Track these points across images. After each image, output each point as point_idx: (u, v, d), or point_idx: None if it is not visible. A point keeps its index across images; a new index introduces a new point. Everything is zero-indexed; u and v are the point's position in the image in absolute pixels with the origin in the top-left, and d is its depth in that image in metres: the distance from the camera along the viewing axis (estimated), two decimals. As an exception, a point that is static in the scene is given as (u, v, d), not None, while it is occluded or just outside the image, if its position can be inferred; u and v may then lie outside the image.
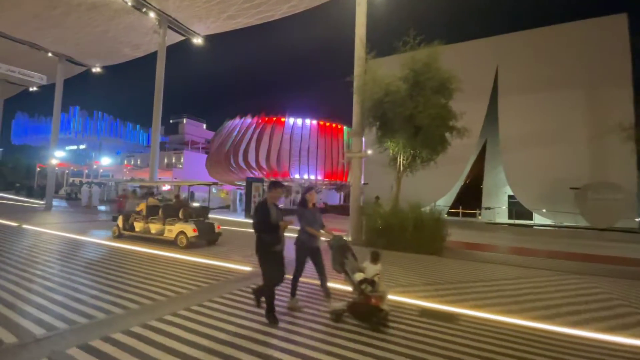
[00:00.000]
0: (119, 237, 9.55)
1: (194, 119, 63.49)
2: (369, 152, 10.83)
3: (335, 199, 42.15)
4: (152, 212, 9.47)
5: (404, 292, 5.25)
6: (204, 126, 64.51)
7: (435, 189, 24.19)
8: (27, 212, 17.21)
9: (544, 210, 21.24)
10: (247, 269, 6.40)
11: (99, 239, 9.49)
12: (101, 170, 49.04)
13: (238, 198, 22.45)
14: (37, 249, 7.74)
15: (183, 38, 18.82)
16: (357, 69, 11.09)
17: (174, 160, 52.33)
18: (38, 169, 40.88)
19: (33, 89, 29.01)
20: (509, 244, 12.09)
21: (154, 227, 9.13)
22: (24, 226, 11.51)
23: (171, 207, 9.38)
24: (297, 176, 30.48)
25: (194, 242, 8.45)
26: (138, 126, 70.78)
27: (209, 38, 18.82)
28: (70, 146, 63.45)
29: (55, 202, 22.52)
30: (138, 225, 9.42)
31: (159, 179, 46.61)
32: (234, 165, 31.50)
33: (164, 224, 8.93)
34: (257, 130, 31.50)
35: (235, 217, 18.38)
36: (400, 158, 10.04)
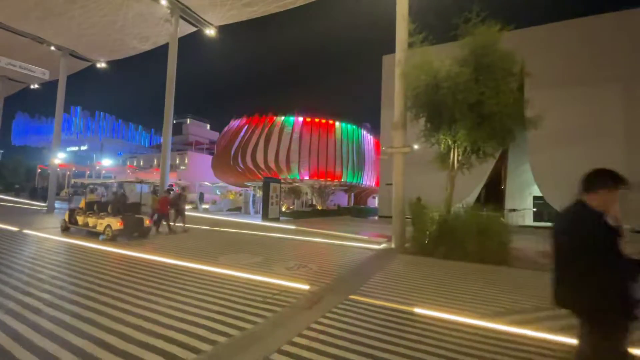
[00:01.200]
0: (65, 230, 10.43)
1: (198, 120, 62.31)
2: (415, 146, 9.60)
3: (344, 200, 40.94)
4: (90, 207, 10.38)
5: (530, 321, 3.98)
6: (208, 127, 63.34)
7: (460, 189, 22.92)
8: (28, 215, 15.98)
9: (577, 212, 19.96)
10: (304, 286, 5.14)
11: (120, 247, 8.23)
12: (103, 172, 47.77)
13: (251, 199, 21.17)
14: (50, 261, 6.49)
15: (194, 29, 17.62)
16: (399, 54, 9.88)
17: (177, 161, 51.03)
18: (39, 170, 39.65)
19: (34, 86, 27.82)
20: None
21: (91, 221, 9.85)
22: (25, 231, 10.27)
23: (105, 203, 10.51)
24: (306, 178, 29.25)
25: (119, 234, 9.17)
26: (140, 127, 69.79)
27: (221, 29, 17.62)
28: (71, 147, 62.22)
29: (57, 204, 21.26)
30: (80, 219, 10.22)
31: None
32: (241, 166, 30.35)
33: (97, 218, 9.71)
34: (266, 130, 30.37)
35: (249, 219, 17.11)
36: (454, 153, 8.79)
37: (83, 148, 65.82)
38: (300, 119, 30.22)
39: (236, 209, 23.89)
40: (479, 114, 7.54)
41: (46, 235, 9.78)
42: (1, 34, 18.69)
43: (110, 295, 4.44)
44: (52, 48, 20.19)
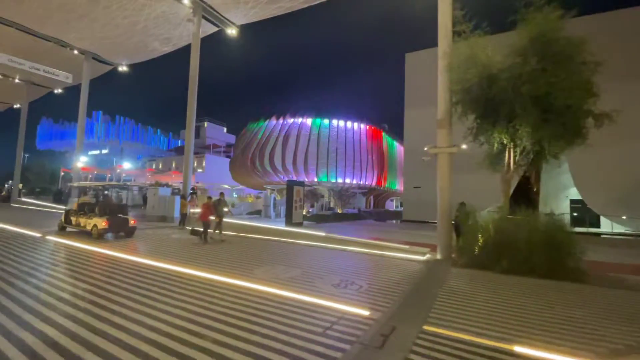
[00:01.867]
0: (62, 229, 11.24)
1: (215, 122, 62.62)
2: (463, 146, 8.67)
3: (362, 203, 39.97)
4: (81, 208, 11.09)
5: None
6: (224, 129, 63.53)
7: (488, 193, 21.67)
8: (51, 219, 15.80)
9: (624, 217, 18.43)
10: (363, 311, 4.34)
11: (152, 258, 7.66)
12: (124, 175, 48.39)
13: (272, 203, 20.55)
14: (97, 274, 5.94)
15: (216, 29, 17.19)
16: (443, 44, 9.01)
17: (195, 164, 51.22)
18: (62, 173, 40.39)
19: (57, 90, 28.23)
20: (633, 260, 9.63)
21: (82, 221, 10.53)
22: (48, 237, 9.89)
23: (94, 205, 11.12)
24: (324, 180, 28.50)
25: (104, 233, 9.97)
26: (159, 130, 70.80)
27: (243, 29, 17.13)
28: (93, 151, 63.62)
29: (79, 208, 21.23)
30: (73, 220, 10.91)
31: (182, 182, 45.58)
32: (259, 169, 29.92)
33: (87, 218, 10.41)
34: (283, 133, 29.86)
35: (270, 223, 16.37)
36: (510, 153, 7.83)
37: (104, 152, 67.25)
38: (326, 121, 29.60)
39: (256, 213, 23.33)
40: (545, 108, 6.58)
41: (71, 242, 9.34)
42: (25, 38, 18.80)
43: (149, 305, 3.77)
44: (75, 52, 20.23)
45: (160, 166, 53.78)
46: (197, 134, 61.03)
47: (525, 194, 23.27)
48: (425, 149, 9.19)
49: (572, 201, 22.25)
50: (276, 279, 5.85)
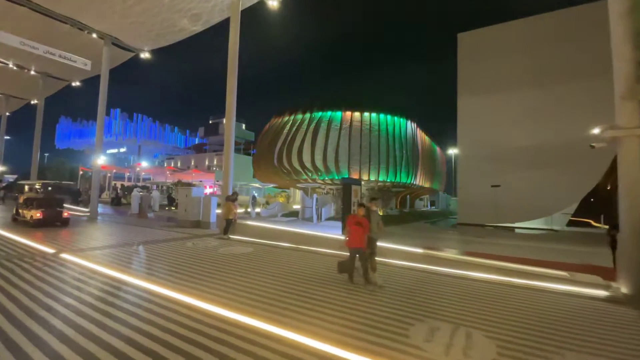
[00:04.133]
0: (14, 220, 13.08)
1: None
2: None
3: (392, 203, 36.96)
4: (26, 202, 12.61)
5: None
6: (244, 126, 61.38)
7: (564, 193, 18.55)
8: (69, 225, 13.56)
9: None
10: None
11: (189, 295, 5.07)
12: (143, 173, 46.76)
13: (314, 204, 17.87)
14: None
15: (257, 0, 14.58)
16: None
17: (215, 162, 49.21)
18: (81, 172, 38.89)
19: (75, 83, 26.29)
20: None
21: (26, 213, 12.18)
22: (64, 255, 7.48)
23: (33, 199, 12.81)
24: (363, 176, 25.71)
25: (39, 223, 11.78)
26: (176, 128, 69.38)
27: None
28: (111, 149, 62.60)
29: (99, 209, 19.08)
30: (21, 212, 12.55)
31: (200, 181, 43.59)
32: (287, 167, 27.40)
33: (28, 211, 12.08)
34: (312, 126, 27.20)
35: (318, 229, 13.62)
36: None
37: (122, 150, 66.24)
38: (357, 114, 26.81)
39: (291, 215, 20.73)
40: None
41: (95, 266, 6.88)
42: (39, 21, 16.64)
43: None
44: (94, 35, 18.00)
45: (179, 164, 52.01)
46: (216, 131, 59.15)
47: (601, 200, 19.41)
48: (596, 130, 6.31)
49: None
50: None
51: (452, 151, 43.18)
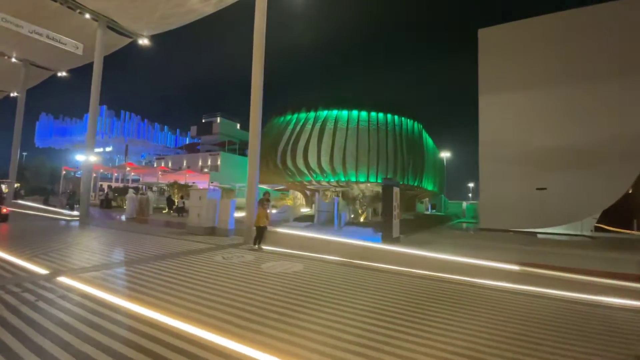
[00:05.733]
0: None
1: (228, 118, 58.14)
2: None
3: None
4: None
5: None
6: (238, 126, 59.11)
7: (594, 198, 17.48)
8: (58, 232, 11.45)
9: None
10: None
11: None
12: (132, 173, 43.96)
13: (335, 208, 16.16)
14: None
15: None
16: None
17: (209, 163, 46.81)
18: (64, 172, 36.00)
19: (61, 73, 23.88)
20: None
21: None
22: (61, 279, 5.56)
23: None
24: (362, 179, 24.32)
25: None
26: (166, 127, 66.49)
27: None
28: (96, 148, 59.15)
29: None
30: None
31: (194, 182, 41.22)
32: (291, 168, 25.77)
33: None
34: (317, 126, 25.72)
35: (344, 236, 11.94)
36: None
37: (108, 149, 62.86)
38: (364, 113, 25.50)
39: (306, 219, 18.96)
40: None
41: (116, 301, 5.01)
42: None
43: None
44: (87, 16, 15.90)
45: (169, 164, 49.30)
46: (210, 131, 56.64)
47: (626, 206, 18.20)
48: None
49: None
50: None
51: (445, 154, 42.52)
